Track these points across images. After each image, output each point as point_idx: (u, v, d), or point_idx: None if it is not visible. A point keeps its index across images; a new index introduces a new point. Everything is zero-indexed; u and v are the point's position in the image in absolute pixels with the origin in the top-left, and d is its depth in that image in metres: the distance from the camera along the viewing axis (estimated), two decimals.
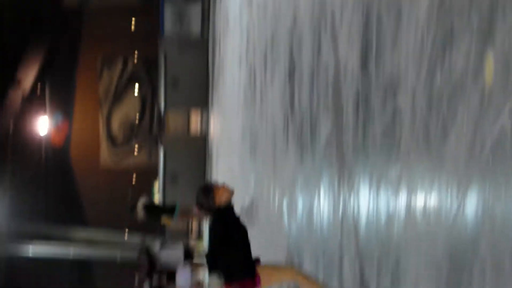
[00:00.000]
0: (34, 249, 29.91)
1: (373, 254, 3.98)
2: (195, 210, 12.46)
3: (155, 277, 11.86)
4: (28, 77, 35.99)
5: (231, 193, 5.55)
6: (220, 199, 5.49)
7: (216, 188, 5.54)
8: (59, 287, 44.20)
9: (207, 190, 5.56)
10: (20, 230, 33.35)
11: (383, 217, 3.79)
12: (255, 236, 10.33)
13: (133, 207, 13.14)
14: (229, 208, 5.54)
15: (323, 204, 5.49)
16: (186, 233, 40.25)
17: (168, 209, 13.34)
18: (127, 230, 34.82)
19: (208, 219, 7.29)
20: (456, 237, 2.77)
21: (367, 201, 4.14)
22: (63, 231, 32.74)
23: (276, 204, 8.27)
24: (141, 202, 13.01)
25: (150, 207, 13.17)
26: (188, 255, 12.35)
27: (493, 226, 2.44)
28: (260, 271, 5.28)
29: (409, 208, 3.36)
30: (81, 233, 33.42)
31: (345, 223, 4.71)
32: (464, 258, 2.67)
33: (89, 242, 34.93)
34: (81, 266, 45.47)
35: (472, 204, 2.62)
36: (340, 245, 4.85)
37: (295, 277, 5.42)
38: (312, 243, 5.93)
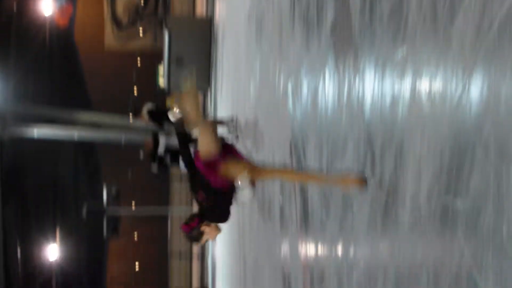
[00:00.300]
0: (38, 131, 30.14)
1: (377, 137, 4.01)
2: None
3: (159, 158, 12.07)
4: None
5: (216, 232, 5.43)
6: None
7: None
8: (63, 168, 44.94)
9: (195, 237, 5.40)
10: (25, 112, 33.56)
11: (387, 100, 3.79)
12: (260, 124, 10.42)
13: (137, 112, 13.14)
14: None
15: (328, 87, 5.49)
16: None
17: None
18: (131, 114, 35.01)
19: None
20: (460, 119, 2.79)
21: (372, 84, 4.14)
22: (67, 114, 32.89)
23: (281, 88, 8.28)
24: (146, 108, 12.97)
25: (155, 112, 13.14)
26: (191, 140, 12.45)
27: (498, 107, 2.45)
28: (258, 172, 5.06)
29: (414, 90, 3.36)
30: (86, 116, 33.56)
31: (350, 106, 4.72)
32: (467, 139, 2.70)
33: (94, 125, 35.19)
34: (86, 148, 46.08)
35: (477, 85, 2.62)
36: (344, 129, 4.89)
37: (296, 178, 5.38)
38: (317, 127, 5.97)
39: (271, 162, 8.93)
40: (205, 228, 5.18)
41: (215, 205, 5.15)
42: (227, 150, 5.15)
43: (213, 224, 5.21)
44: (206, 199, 5.11)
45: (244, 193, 4.82)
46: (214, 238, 5.34)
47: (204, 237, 5.24)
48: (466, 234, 2.67)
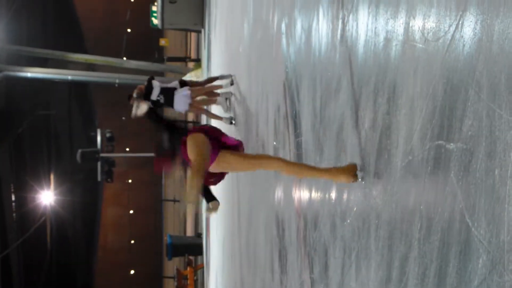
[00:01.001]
0: (32, 72, 29.95)
1: (370, 76, 3.94)
2: None
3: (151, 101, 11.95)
4: None
5: None
6: None
7: None
8: (58, 111, 44.85)
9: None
10: (19, 53, 33.30)
11: (381, 39, 3.71)
12: (254, 65, 10.32)
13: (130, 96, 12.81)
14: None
15: (322, 26, 5.39)
16: (183, 59, 40.30)
17: None
18: (124, 57, 34.77)
19: None
20: (453, 58, 2.71)
21: (366, 23, 4.04)
22: (61, 55, 32.65)
23: (275, 27, 8.16)
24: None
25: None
26: (185, 84, 12.40)
27: (491, 45, 2.37)
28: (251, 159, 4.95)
29: (407, 29, 3.27)
30: (80, 57, 33.32)
31: (343, 45, 4.63)
32: (460, 79, 2.63)
33: (88, 66, 35.00)
34: (79, 89, 45.91)
35: (470, 21, 2.55)
36: (337, 69, 4.81)
37: (284, 168, 5.07)
38: (310, 67, 5.89)
39: (265, 108, 8.87)
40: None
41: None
42: (215, 136, 4.96)
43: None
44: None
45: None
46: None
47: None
48: (458, 177, 2.61)
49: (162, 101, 12.01)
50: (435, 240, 2.85)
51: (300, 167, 4.97)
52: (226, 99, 13.18)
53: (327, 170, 4.43)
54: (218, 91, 13.35)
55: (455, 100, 2.66)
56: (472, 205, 2.48)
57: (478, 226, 2.43)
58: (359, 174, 4.13)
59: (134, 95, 11.67)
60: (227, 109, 13.21)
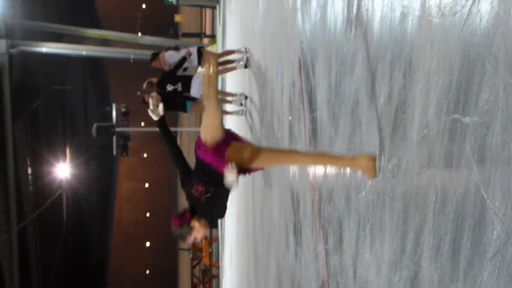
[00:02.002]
0: (47, 47, 29.99)
1: (386, 51, 3.95)
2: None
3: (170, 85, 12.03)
4: None
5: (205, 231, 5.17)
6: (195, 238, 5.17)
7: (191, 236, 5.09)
8: (72, 83, 44.93)
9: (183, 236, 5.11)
10: (34, 29, 33.36)
11: (397, 13, 3.72)
12: (269, 41, 10.31)
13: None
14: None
15: (337, 1, 5.38)
16: (198, 35, 40.23)
17: None
18: (139, 32, 34.73)
19: None
20: (469, 32, 2.73)
21: None
22: (76, 31, 32.67)
23: (290, 3, 8.15)
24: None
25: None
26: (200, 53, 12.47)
27: (508, 19, 2.39)
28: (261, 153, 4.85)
29: (423, 3, 3.28)
30: (95, 33, 33.32)
31: (359, 21, 4.63)
32: (477, 53, 2.65)
33: (103, 42, 34.98)
34: (94, 64, 45.93)
35: None
36: (353, 45, 4.82)
37: (302, 160, 5.04)
38: (325, 42, 5.90)
39: (279, 82, 8.88)
40: (195, 224, 4.94)
41: (215, 197, 4.89)
42: (227, 135, 4.99)
43: (203, 221, 4.99)
44: (205, 193, 4.86)
45: (229, 179, 4.70)
46: (200, 238, 5.16)
47: (192, 234, 4.99)
48: (474, 150, 2.65)
49: (179, 88, 12.05)
50: (450, 212, 2.89)
51: (323, 158, 4.97)
52: (245, 58, 13.15)
53: (349, 160, 4.43)
54: (232, 57, 13.40)
55: (472, 74, 2.68)
56: (488, 178, 2.51)
57: (493, 199, 2.46)
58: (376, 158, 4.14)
59: (150, 97, 11.73)
60: (246, 65, 13.11)
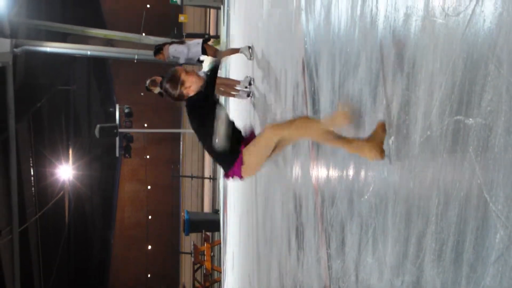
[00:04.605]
0: (52, 47, 30.00)
1: (390, 53, 3.93)
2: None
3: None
4: None
5: (199, 81, 5.21)
6: (188, 91, 5.21)
7: (184, 80, 5.19)
8: (76, 83, 44.95)
9: (174, 80, 5.23)
10: (38, 28, 33.38)
11: (401, 14, 3.69)
12: (272, 42, 10.28)
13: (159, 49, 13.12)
14: (199, 95, 5.22)
15: (341, 1, 5.36)
16: (202, 35, 40.31)
17: None
18: (143, 33, 34.74)
19: None
20: (473, 32, 2.69)
21: None
22: (80, 30, 32.69)
23: (294, 3, 8.13)
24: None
25: None
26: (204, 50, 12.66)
27: None
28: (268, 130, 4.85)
29: (427, 3, 3.25)
30: (99, 33, 33.34)
31: (363, 22, 4.61)
32: (480, 54, 2.61)
33: (107, 42, 35.00)
34: (98, 64, 45.96)
35: None
36: (357, 45, 4.80)
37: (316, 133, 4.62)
38: (329, 43, 5.87)
39: (284, 80, 8.85)
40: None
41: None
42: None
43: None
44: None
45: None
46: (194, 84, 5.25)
47: (185, 84, 5.21)
48: (477, 152, 2.61)
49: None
50: (452, 215, 2.85)
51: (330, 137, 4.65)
52: (249, 47, 13.18)
53: (356, 143, 4.24)
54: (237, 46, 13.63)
55: (475, 76, 2.65)
56: (490, 180, 2.47)
57: (496, 201, 2.43)
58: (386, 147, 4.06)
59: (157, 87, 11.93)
60: (250, 56, 13.14)
